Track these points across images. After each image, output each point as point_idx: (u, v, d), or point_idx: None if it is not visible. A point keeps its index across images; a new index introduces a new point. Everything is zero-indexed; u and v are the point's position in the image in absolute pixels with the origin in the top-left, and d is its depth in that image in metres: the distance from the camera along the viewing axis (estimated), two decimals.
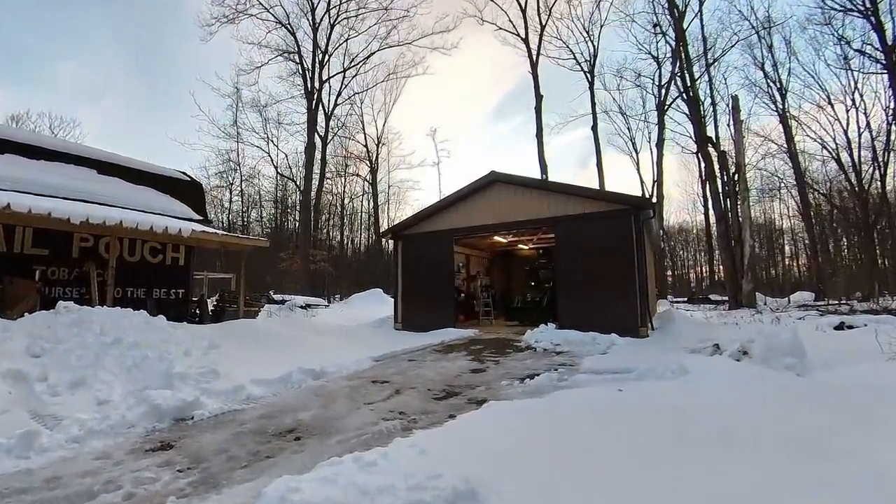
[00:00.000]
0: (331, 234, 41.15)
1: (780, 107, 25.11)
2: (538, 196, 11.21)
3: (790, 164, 25.31)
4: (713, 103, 23.23)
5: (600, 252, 9.92)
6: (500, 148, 69.27)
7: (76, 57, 52.47)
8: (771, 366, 4.86)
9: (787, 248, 40.11)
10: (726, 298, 19.45)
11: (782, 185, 30.29)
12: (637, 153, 36.00)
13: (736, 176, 18.22)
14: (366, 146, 38.16)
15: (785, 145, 24.91)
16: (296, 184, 36.74)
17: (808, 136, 26.79)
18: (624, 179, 66.12)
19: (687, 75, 20.67)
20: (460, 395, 4.85)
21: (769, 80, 25.45)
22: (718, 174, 19.55)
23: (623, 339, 8.54)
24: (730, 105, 20.25)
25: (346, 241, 42.72)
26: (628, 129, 36.36)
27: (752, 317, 12.36)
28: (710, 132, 21.76)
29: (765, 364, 4.94)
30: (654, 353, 6.93)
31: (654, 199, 27.25)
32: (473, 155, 67.27)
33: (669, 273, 45.16)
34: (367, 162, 38.40)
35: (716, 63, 23.49)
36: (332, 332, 9.37)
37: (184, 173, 12.60)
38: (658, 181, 28.91)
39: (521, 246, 17.58)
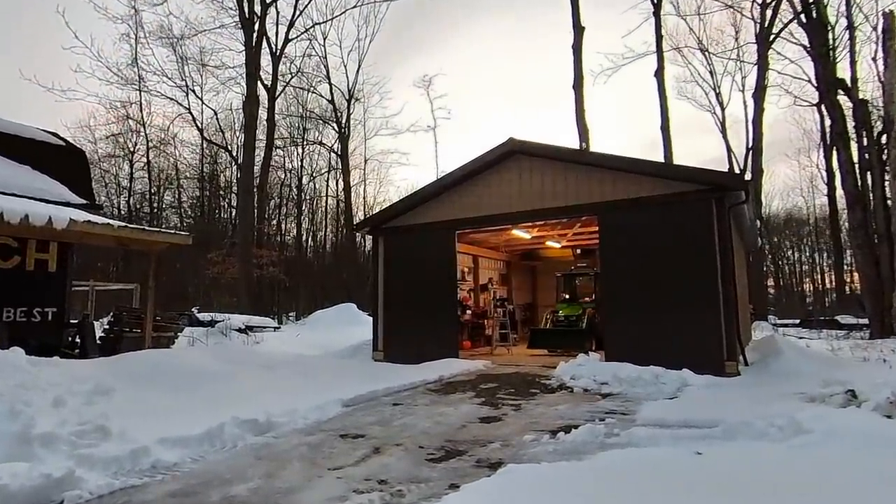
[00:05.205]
0: (283, 226, 41.42)
1: None
2: (575, 173, 11.18)
3: None
4: (850, 27, 21.34)
5: (666, 252, 9.87)
6: (523, 106, 69.51)
7: None
8: None
9: None
10: (865, 322, 19.04)
11: None
12: (723, 109, 35.39)
13: (884, 137, 17.39)
14: (332, 102, 38.14)
15: None
16: (231, 154, 36.89)
17: None
18: (702, 148, 66.04)
19: None
20: (465, 455, 4.85)
21: None
22: (854, 136, 18.75)
23: (700, 377, 8.52)
24: (879, 27, 18.23)
25: (304, 238, 42.92)
26: (711, 73, 35.67)
27: None
28: (843, 72, 20.60)
29: None
30: (750, 399, 6.88)
31: (749, 176, 27.06)
32: (484, 116, 67.58)
33: (772, 284, 44.85)
34: (334, 125, 38.42)
35: None
36: (284, 365, 9.39)
37: (55, 134, 12.47)
38: (755, 148, 28.56)
39: (550, 244, 17.59)
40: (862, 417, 5.16)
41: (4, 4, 47.45)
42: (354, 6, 35.80)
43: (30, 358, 6.17)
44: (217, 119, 37.61)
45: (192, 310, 23.38)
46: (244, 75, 29.33)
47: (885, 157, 17.52)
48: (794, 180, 73.55)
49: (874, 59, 21.24)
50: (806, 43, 21.61)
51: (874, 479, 3.47)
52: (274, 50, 31.75)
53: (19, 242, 10.25)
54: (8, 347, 6.17)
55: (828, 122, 22.58)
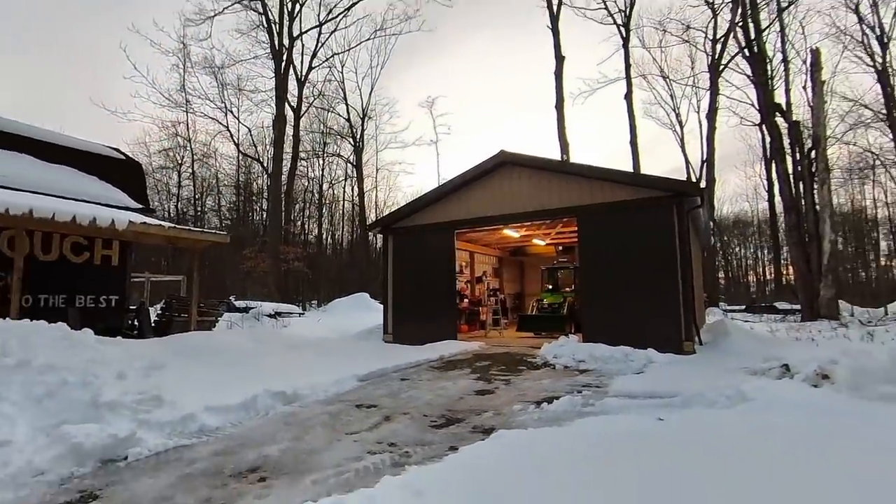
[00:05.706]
0: (306, 227, 41.23)
1: (880, 61, 22.98)
2: (558, 181, 11.19)
3: (891, 135, 23.15)
4: (785, 60, 21.78)
5: (634, 249, 9.90)
6: (512, 123, 69.33)
7: None
8: (862, 395, 4.77)
9: (882, 243, 37.85)
10: (798, 307, 19.17)
11: (878, 162, 28.48)
12: (682, 127, 35.85)
13: (813, 152, 17.73)
14: (348, 120, 38.10)
15: (884, 111, 23.22)
16: (262, 165, 36.83)
17: None
18: (665, 160, 66.19)
19: (751, 24, 19.87)
20: (463, 423, 4.89)
21: (865, 27, 23.32)
22: (789, 151, 18.97)
23: (663, 355, 8.56)
24: (808, 61, 19.28)
25: (324, 236, 42.88)
26: (671, 96, 36.17)
27: (833, 331, 12.23)
28: (780, 98, 20.75)
29: (854, 392, 4.85)
30: (703, 373, 6.92)
31: (703, 184, 26.93)
32: (479, 132, 67.37)
33: (722, 276, 44.73)
34: (350, 139, 38.36)
35: (791, 6, 21.79)
36: (307, 345, 9.39)
37: (117, 150, 12.52)
38: (708, 161, 28.65)
39: (536, 242, 17.57)
40: (794, 387, 5.22)
41: (79, 45, 47.54)
42: (368, 39, 35.76)
43: (97, 338, 6.18)
44: (251, 135, 37.91)
45: (230, 298, 23.45)
46: (274, 98, 29.39)
47: (813, 169, 17.86)
48: (741, 188, 74.12)
49: (804, 88, 21.51)
50: (749, 73, 21.93)
51: (804, 436, 3.55)
52: (299, 76, 31.78)
53: (88, 241, 10.37)
54: (80, 329, 6.17)
55: (768, 139, 22.64)
